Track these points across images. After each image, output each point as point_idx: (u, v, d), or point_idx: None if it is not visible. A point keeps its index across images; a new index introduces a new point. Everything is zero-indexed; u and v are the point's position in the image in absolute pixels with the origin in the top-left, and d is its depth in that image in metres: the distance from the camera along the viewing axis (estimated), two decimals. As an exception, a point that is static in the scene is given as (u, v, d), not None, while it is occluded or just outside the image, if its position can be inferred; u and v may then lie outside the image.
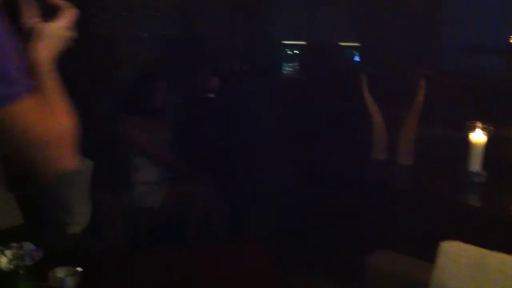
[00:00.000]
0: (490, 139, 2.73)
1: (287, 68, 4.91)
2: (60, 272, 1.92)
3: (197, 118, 3.58)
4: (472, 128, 2.76)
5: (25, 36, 1.18)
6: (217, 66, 3.90)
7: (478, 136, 2.74)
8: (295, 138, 3.27)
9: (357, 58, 4.98)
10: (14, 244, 1.83)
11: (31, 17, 1.19)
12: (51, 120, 1.11)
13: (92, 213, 2.89)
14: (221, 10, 4.26)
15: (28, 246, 1.82)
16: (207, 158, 3.22)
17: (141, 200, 3.26)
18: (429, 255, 2.00)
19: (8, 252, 1.79)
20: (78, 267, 1.93)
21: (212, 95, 3.65)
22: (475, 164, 2.73)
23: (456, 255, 1.79)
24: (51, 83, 1.16)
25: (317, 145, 3.23)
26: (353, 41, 4.99)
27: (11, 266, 1.78)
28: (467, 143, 2.76)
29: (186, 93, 3.61)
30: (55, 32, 1.22)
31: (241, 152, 3.08)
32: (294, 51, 5.12)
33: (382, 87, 3.27)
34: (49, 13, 1.23)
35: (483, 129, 2.75)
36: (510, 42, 3.77)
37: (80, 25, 1.26)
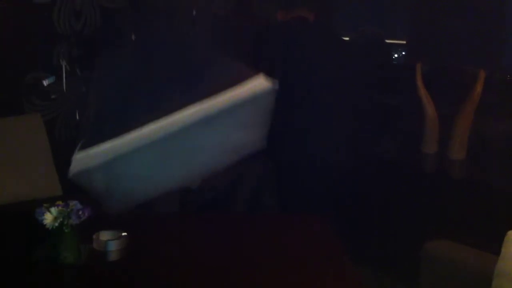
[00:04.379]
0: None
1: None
2: (105, 236, 1.86)
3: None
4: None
5: None
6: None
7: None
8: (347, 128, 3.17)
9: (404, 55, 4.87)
10: (61, 202, 1.78)
11: None
12: None
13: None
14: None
15: (75, 204, 1.76)
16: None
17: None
18: (487, 246, 1.90)
19: (54, 210, 1.73)
20: (124, 231, 1.88)
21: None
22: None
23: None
24: None
25: (369, 136, 3.13)
26: (401, 39, 4.88)
27: (56, 224, 1.73)
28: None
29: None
30: None
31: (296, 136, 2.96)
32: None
33: (436, 80, 3.16)
34: None
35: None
36: None
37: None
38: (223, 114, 1.13)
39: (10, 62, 2.97)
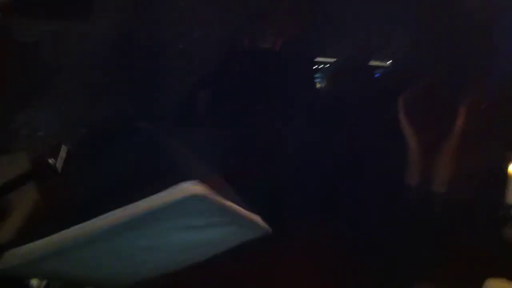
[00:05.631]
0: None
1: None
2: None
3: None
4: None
5: None
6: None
7: (517, 168, 2.65)
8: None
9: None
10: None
11: None
12: None
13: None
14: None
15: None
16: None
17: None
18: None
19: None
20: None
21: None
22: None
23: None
24: None
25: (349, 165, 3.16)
26: (386, 61, 4.88)
27: (43, 284, 1.73)
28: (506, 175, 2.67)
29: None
30: None
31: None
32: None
33: (420, 110, 3.18)
34: None
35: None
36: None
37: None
38: (149, 216, 1.17)
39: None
